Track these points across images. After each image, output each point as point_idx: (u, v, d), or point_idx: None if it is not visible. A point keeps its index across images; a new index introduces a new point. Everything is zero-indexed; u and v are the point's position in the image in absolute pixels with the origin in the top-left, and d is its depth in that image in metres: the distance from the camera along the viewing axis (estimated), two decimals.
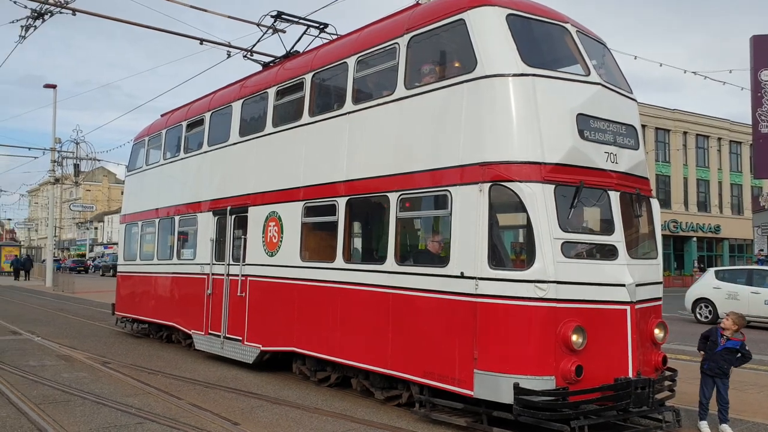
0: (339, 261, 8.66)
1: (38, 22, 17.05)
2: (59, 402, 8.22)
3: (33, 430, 7.01)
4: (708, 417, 7.20)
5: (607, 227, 7.16)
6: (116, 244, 50.81)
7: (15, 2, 15.34)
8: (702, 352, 7.31)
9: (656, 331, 7.38)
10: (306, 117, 9.69)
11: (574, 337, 6.49)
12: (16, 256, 50.70)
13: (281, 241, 9.89)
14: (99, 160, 41.10)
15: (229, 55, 15.58)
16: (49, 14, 16.45)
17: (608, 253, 7.04)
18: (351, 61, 8.89)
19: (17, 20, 17.37)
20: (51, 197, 41.90)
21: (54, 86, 37.89)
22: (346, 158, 8.77)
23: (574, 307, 6.62)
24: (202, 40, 15.46)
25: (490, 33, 7.18)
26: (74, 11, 15.61)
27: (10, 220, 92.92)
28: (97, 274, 55.11)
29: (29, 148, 75.22)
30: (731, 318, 7.11)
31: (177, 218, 13.29)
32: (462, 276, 6.90)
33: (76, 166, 38.71)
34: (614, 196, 7.16)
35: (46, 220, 64.90)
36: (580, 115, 7.05)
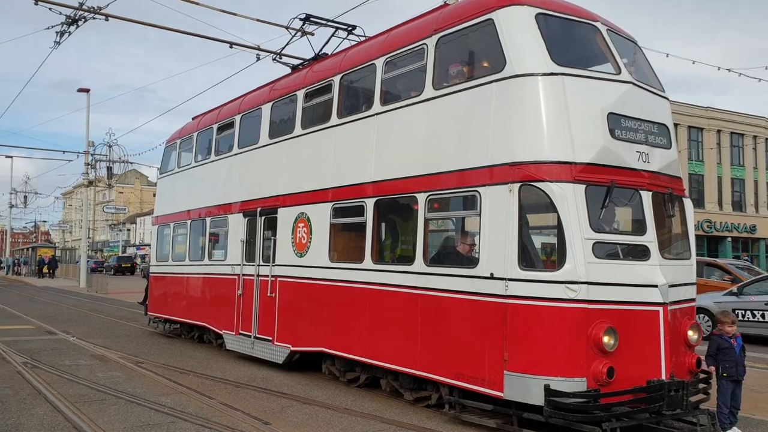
0: (367, 262, 8.68)
1: (72, 28, 17.37)
2: (94, 401, 8.37)
3: (69, 428, 7.15)
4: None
5: (639, 227, 7.07)
6: (148, 245, 51.78)
7: (50, 9, 15.69)
8: (717, 366, 6.95)
9: (690, 332, 7.25)
10: (334, 118, 9.73)
11: (606, 339, 6.41)
12: (41, 256, 53.37)
13: (310, 242, 9.95)
14: (131, 163, 41.69)
15: (258, 58, 15.75)
16: (83, 20, 16.75)
17: (640, 253, 6.94)
18: (379, 63, 8.91)
19: (52, 26, 17.71)
20: (84, 199, 42.70)
21: (87, 90, 38.52)
22: (374, 159, 8.79)
23: (606, 308, 6.54)
24: (232, 44, 15.66)
25: (518, 32, 7.14)
26: (107, 17, 15.91)
27: (45, 222, 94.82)
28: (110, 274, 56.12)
29: (63, 152, 76.95)
30: (730, 318, 7.04)
31: (208, 219, 13.44)
32: (492, 277, 6.87)
33: (109, 169, 39.33)
34: (646, 196, 7.06)
35: (80, 222, 66.17)
36: (611, 114, 6.97)
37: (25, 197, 64.33)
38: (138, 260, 63.41)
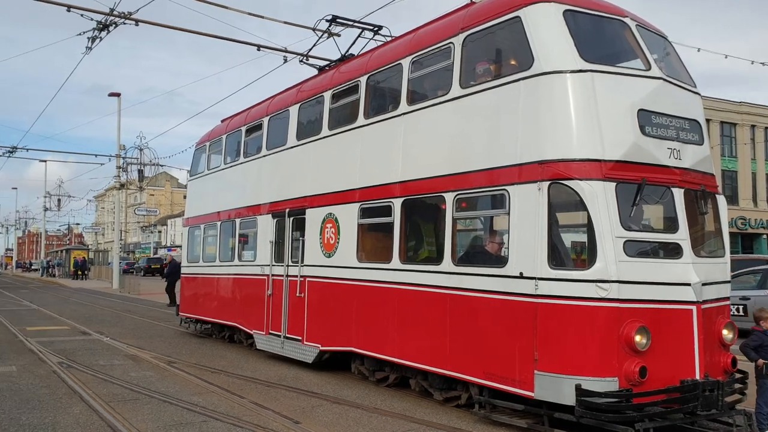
0: (395, 262, 8.69)
1: (103, 34, 17.65)
2: (128, 400, 8.51)
3: (104, 427, 7.28)
4: None
5: (671, 225, 6.97)
6: (179, 246, 52.63)
7: (82, 15, 15.96)
8: (761, 361, 6.79)
9: (724, 331, 7.13)
10: (361, 119, 9.76)
11: (638, 338, 6.33)
12: (75, 258, 55.10)
13: (338, 243, 9.98)
14: (162, 166, 42.21)
15: (285, 60, 15.84)
16: (114, 25, 17.01)
17: (672, 251, 6.84)
18: (405, 62, 8.91)
19: (84, 32, 18.02)
20: (116, 202, 43.44)
21: (118, 94, 39.19)
22: (401, 159, 8.79)
23: (638, 307, 6.47)
24: (259, 47, 15.78)
25: (546, 29, 7.09)
26: (137, 22, 16.15)
27: (78, 224, 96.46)
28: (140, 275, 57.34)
29: (96, 155, 78.22)
30: None
31: (238, 221, 13.57)
32: (521, 276, 6.83)
33: (140, 172, 39.88)
34: (678, 193, 6.96)
35: (112, 224, 67.25)
36: (641, 110, 6.87)
37: (59, 200, 65.60)
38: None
